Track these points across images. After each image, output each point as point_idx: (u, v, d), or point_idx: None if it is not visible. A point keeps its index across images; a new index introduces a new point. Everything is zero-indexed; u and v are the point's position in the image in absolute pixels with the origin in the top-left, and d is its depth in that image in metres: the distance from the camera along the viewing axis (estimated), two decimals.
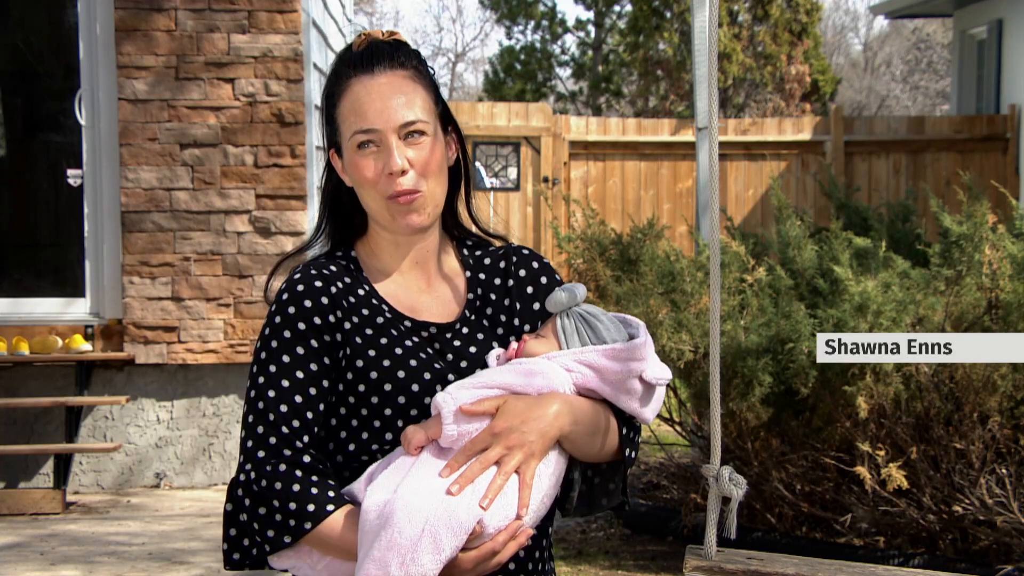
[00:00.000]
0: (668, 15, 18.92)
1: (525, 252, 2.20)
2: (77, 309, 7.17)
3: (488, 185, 12.55)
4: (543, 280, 2.18)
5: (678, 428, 6.21)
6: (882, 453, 4.97)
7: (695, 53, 7.25)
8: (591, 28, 25.09)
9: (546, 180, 12.35)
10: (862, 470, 4.99)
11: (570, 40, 26.13)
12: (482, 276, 2.17)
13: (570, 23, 25.48)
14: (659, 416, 6.09)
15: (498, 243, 2.23)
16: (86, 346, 6.97)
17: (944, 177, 12.64)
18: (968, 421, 5.01)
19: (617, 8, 24.32)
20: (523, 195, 12.52)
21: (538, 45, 25.14)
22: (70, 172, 7.16)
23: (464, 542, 1.84)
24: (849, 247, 5.60)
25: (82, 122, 7.09)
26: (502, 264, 2.18)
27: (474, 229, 2.21)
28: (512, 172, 12.55)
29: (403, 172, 2.01)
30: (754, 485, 5.48)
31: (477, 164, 12.49)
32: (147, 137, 6.97)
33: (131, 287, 6.99)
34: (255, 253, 7.03)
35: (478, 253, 2.19)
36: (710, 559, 2.00)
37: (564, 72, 26.15)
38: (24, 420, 7.11)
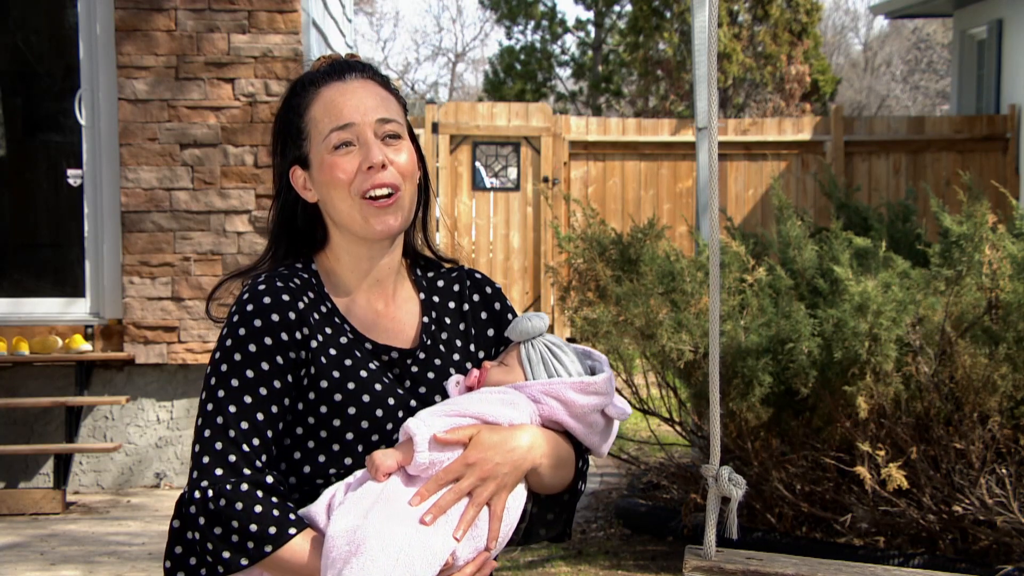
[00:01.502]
0: (668, 15, 18.92)
1: (478, 276, 2.17)
2: (77, 309, 7.17)
3: (488, 185, 12.55)
4: (496, 306, 2.15)
5: (678, 428, 6.21)
6: (882, 453, 4.97)
7: (695, 53, 7.25)
8: (591, 28, 25.10)
9: (546, 180, 12.35)
10: (862, 470, 4.99)
11: (570, 40, 26.15)
12: (435, 299, 2.13)
13: (570, 23, 25.49)
14: (659, 416, 6.09)
15: (448, 265, 2.18)
16: (86, 346, 6.97)
17: (944, 177, 12.64)
18: (968, 421, 5.01)
19: (617, 8, 24.33)
20: (523, 195, 12.52)
21: (538, 45, 25.14)
22: (70, 172, 7.16)
23: (438, 572, 1.82)
24: (849, 247, 5.60)
25: (82, 122, 7.09)
26: (456, 287, 2.14)
27: (427, 252, 2.17)
28: (512, 172, 12.55)
29: (383, 166, 1.98)
30: (754, 485, 5.48)
31: (477, 164, 12.50)
32: (147, 137, 6.97)
33: (131, 287, 6.99)
34: (255, 253, 7.02)
35: (430, 275, 2.16)
36: (710, 559, 2.00)
37: (564, 72, 26.16)
38: (24, 420, 7.11)
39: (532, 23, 25.33)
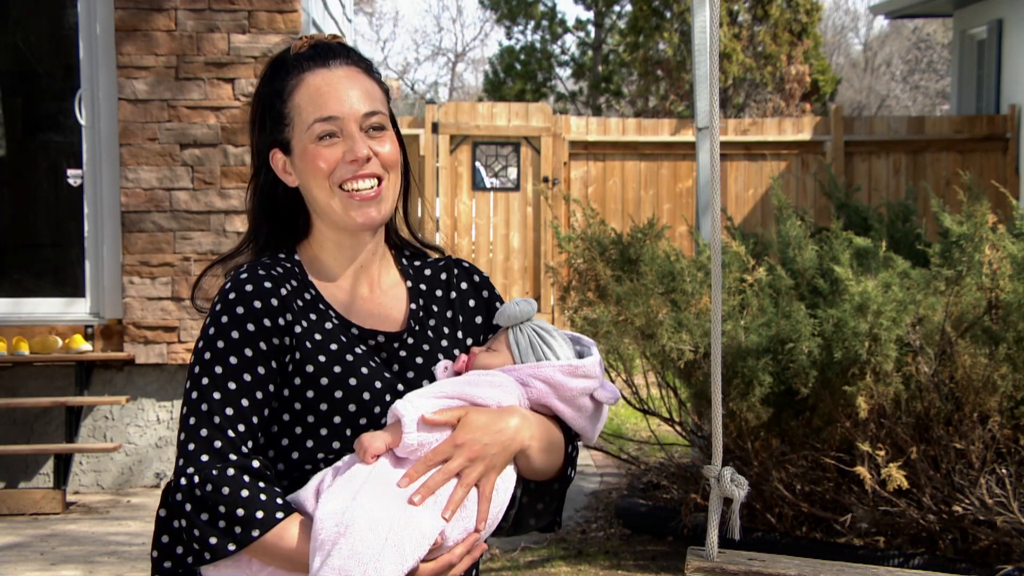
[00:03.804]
0: (668, 15, 18.92)
1: (466, 265, 2.18)
2: (77, 309, 7.17)
3: (488, 185, 12.55)
4: (484, 294, 2.16)
5: (678, 428, 6.21)
6: (882, 453, 4.97)
7: (695, 53, 7.25)
8: (591, 28, 25.10)
9: (546, 180, 12.35)
10: (862, 470, 4.99)
11: (570, 40, 26.14)
12: (423, 287, 2.14)
13: (570, 23, 25.48)
14: (659, 416, 6.09)
15: (434, 254, 2.20)
16: (86, 346, 6.97)
17: (944, 177, 12.64)
18: (968, 421, 5.01)
19: (617, 8, 24.32)
20: (523, 195, 12.52)
21: (538, 45, 25.14)
22: (70, 172, 7.16)
23: (426, 552, 1.82)
24: (849, 247, 5.60)
25: (82, 122, 7.09)
26: (443, 276, 2.15)
27: (409, 237, 2.18)
28: (512, 172, 12.55)
29: (367, 159, 1.98)
30: (754, 485, 5.48)
31: (477, 164, 12.50)
32: (147, 137, 6.97)
33: (131, 287, 6.99)
34: None
35: (417, 264, 2.17)
36: (712, 560, 2.00)
37: (564, 72, 26.16)
38: (24, 420, 7.10)
39: (532, 23, 25.33)
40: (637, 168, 12.75)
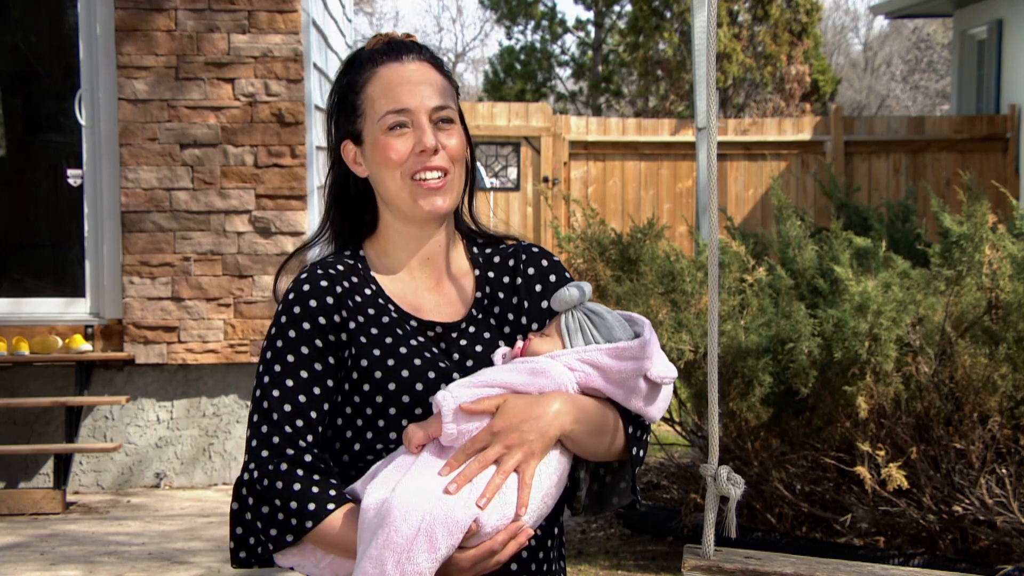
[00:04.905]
0: (668, 15, 18.92)
1: (535, 250, 2.19)
2: (77, 309, 7.17)
3: (488, 185, 12.55)
4: (552, 278, 2.16)
5: (678, 428, 6.21)
6: (882, 453, 4.97)
7: (695, 53, 7.25)
8: (591, 28, 25.10)
9: (546, 180, 12.35)
10: (862, 470, 4.99)
11: (570, 40, 26.15)
12: (491, 274, 2.16)
13: (570, 23, 25.49)
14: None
15: (510, 242, 2.21)
16: (86, 346, 6.97)
17: (944, 177, 12.65)
18: (968, 421, 5.01)
19: (617, 8, 24.32)
20: (523, 195, 12.52)
21: (538, 45, 25.15)
22: (70, 172, 7.16)
23: (460, 541, 1.83)
24: (849, 247, 5.60)
25: (82, 122, 7.09)
26: (511, 262, 2.17)
27: (476, 227, 2.21)
28: (512, 172, 12.55)
29: (435, 151, 2.03)
30: (754, 485, 5.48)
31: (477, 164, 12.50)
32: (147, 137, 6.97)
33: (131, 287, 6.99)
34: (255, 253, 7.02)
35: (488, 251, 2.19)
36: (708, 558, 2.00)
37: (564, 72, 26.16)
38: (24, 420, 7.10)
39: (532, 23, 25.33)
40: (637, 168, 12.75)
